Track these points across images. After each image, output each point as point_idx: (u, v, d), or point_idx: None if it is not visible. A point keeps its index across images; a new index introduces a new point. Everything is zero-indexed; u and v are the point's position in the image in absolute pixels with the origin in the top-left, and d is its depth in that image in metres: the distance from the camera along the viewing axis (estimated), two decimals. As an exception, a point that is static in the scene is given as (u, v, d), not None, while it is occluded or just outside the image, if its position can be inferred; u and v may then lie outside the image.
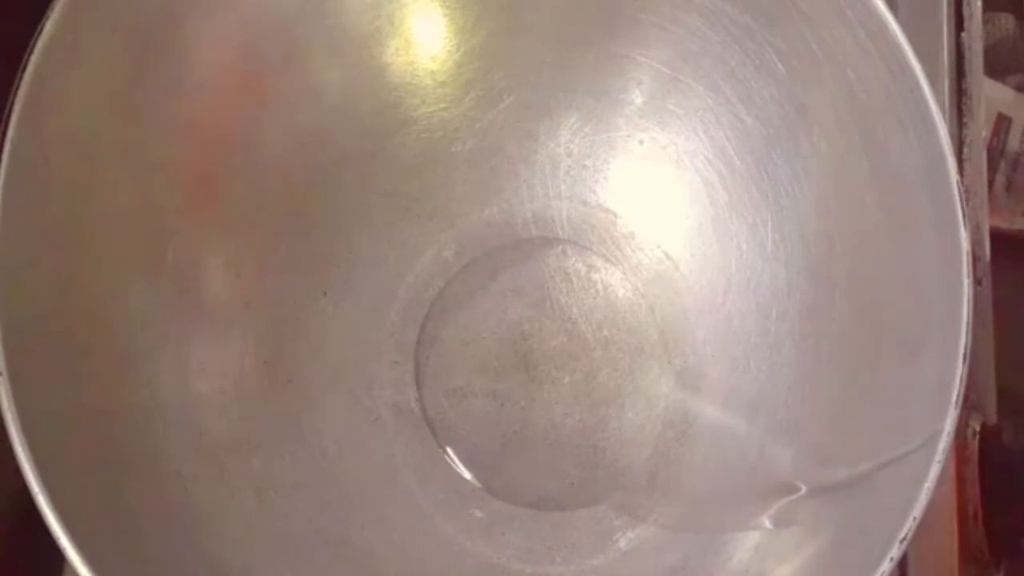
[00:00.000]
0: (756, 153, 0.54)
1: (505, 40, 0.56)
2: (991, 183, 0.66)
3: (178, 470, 0.48)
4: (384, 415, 0.55)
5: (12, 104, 0.42)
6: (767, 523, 0.49)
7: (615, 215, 0.58)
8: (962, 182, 0.44)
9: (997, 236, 0.61)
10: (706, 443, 0.54)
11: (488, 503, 0.54)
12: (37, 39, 0.42)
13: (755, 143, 0.54)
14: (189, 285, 0.51)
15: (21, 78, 0.42)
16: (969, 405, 0.56)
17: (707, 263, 0.56)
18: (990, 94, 0.69)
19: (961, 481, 0.54)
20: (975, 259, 0.45)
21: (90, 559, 0.39)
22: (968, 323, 0.43)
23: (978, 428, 0.56)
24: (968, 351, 0.42)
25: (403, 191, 0.57)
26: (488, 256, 0.57)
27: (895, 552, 0.40)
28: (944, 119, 0.45)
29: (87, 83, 0.45)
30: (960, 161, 0.59)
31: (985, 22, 0.64)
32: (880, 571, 0.40)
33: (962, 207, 0.44)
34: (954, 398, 0.42)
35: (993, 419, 0.58)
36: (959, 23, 0.62)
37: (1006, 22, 0.83)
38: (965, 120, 0.61)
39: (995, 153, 0.78)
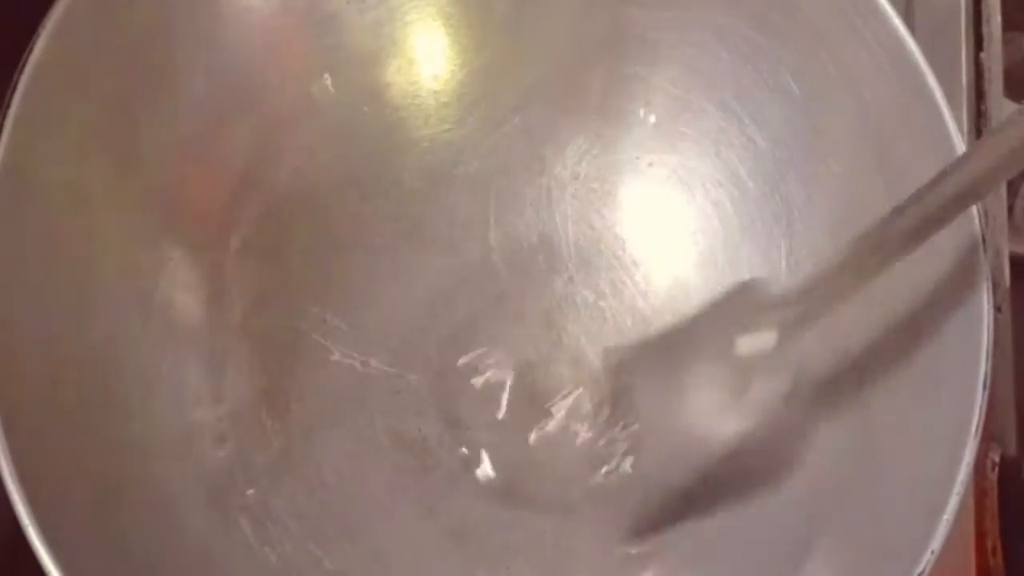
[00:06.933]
0: (769, 175, 0.53)
1: (510, 59, 0.55)
2: (1011, 208, 0.65)
3: (173, 500, 0.47)
4: (385, 445, 0.53)
5: (-1, 131, 0.42)
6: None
7: (623, 239, 0.57)
8: (981, 206, 0.44)
9: (1016, 262, 0.60)
10: (723, 486, 0.52)
11: (494, 536, 0.53)
12: (24, 65, 0.42)
13: (768, 165, 0.53)
14: (184, 313, 0.51)
15: (9, 104, 0.42)
16: (988, 436, 0.55)
17: (718, 289, 0.54)
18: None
19: (980, 514, 0.54)
20: (994, 285, 0.45)
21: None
22: (988, 351, 0.42)
23: (997, 460, 0.55)
24: (988, 380, 0.42)
25: (405, 215, 0.56)
26: (492, 282, 0.56)
27: (913, 586, 0.39)
28: (963, 141, 0.45)
29: (78, 109, 0.45)
30: (979, 185, 0.59)
31: (1005, 42, 0.64)
32: (898, 605, 0.40)
33: (982, 232, 0.43)
34: (973, 429, 0.41)
35: (1013, 450, 0.57)
36: (978, 43, 0.62)
37: (1026, 42, 0.83)
38: (984, 142, 0.60)
39: (1014, 177, 0.78)
